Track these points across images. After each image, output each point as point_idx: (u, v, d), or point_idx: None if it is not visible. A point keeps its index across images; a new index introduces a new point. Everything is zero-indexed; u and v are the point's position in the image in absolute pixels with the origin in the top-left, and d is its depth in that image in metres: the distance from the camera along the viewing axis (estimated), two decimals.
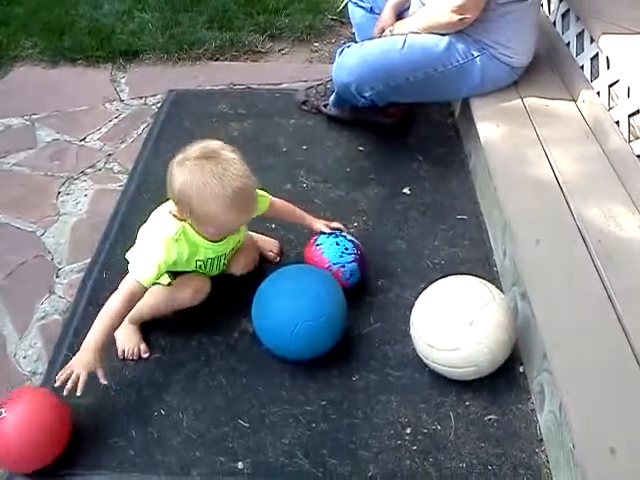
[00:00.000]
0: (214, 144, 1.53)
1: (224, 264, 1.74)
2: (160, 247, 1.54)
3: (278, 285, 1.62)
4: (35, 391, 1.51)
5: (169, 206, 1.61)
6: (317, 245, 1.77)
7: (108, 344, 1.53)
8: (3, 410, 1.36)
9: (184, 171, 1.48)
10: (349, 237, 1.81)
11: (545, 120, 2.11)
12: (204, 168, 1.46)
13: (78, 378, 1.42)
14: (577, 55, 2.30)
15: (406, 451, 1.45)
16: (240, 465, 1.43)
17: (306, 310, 1.54)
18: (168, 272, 1.65)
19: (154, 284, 1.64)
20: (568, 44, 2.38)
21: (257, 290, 1.63)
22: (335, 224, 1.85)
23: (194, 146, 1.52)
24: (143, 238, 1.66)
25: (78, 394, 1.42)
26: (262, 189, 1.70)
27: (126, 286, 1.52)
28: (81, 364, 1.44)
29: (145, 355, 1.64)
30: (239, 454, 1.45)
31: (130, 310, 1.54)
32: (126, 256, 1.64)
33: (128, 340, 1.65)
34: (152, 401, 1.55)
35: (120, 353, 1.63)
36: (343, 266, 1.72)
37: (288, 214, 1.86)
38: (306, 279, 1.63)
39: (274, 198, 1.79)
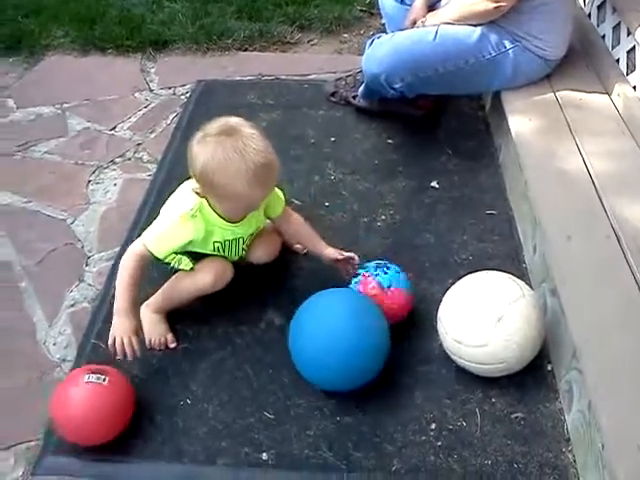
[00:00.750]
0: (233, 120, 1.52)
1: (243, 249, 1.73)
2: (176, 222, 1.55)
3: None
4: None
5: (190, 184, 1.61)
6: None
7: (137, 307, 1.58)
8: (107, 377, 1.41)
9: (205, 149, 1.47)
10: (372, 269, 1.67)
11: (578, 114, 2.07)
12: (225, 144, 1.45)
13: (130, 342, 1.49)
14: (613, 48, 2.25)
15: (430, 447, 1.45)
16: (264, 456, 1.43)
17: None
18: (189, 256, 1.65)
19: (176, 271, 1.65)
20: (604, 37, 2.33)
21: (299, 323, 1.53)
22: (348, 254, 1.71)
23: (213, 123, 1.51)
24: (161, 213, 1.67)
25: (138, 355, 1.52)
26: (280, 188, 1.70)
27: (133, 250, 1.56)
28: (123, 331, 1.50)
29: (172, 345, 1.65)
30: (264, 445, 1.45)
31: (141, 275, 1.56)
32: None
33: (154, 330, 1.66)
34: (178, 390, 1.56)
35: (147, 343, 1.64)
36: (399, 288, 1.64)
37: (300, 232, 1.76)
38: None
39: (291, 210, 1.77)
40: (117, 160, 2.34)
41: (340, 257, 1.70)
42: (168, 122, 2.53)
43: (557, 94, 2.17)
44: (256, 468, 1.42)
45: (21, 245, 1.98)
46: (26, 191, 2.20)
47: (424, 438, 1.46)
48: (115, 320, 1.53)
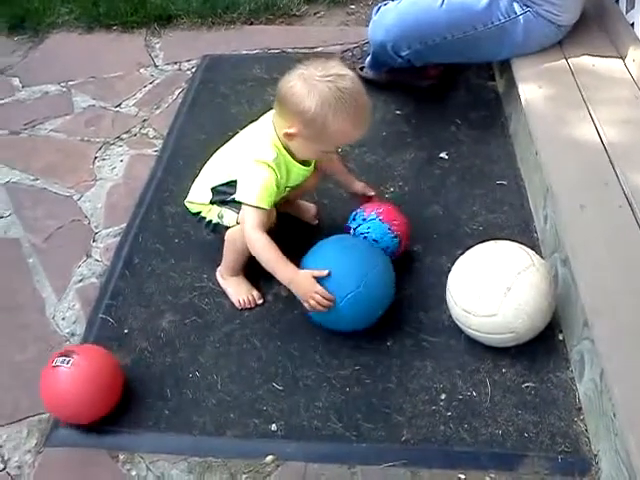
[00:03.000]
0: (332, 61, 1.56)
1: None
2: (264, 170, 1.54)
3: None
4: (96, 346, 1.53)
5: (248, 135, 1.64)
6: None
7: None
8: (73, 359, 1.40)
9: (318, 91, 1.47)
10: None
11: (591, 81, 2.02)
12: (338, 85, 1.47)
13: (320, 296, 1.48)
14: (627, 12, 2.19)
15: (440, 417, 1.44)
16: (274, 427, 1.43)
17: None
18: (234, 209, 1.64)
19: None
20: (617, 0, 2.27)
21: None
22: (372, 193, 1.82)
23: (312, 64, 1.52)
24: (243, 171, 1.60)
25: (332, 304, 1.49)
26: None
27: (249, 224, 1.54)
28: (305, 289, 1.49)
29: (259, 301, 1.69)
30: (273, 416, 1.45)
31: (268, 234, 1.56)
32: (236, 197, 1.60)
33: (241, 290, 1.69)
34: (187, 363, 1.56)
35: (237, 304, 1.68)
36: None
37: (338, 166, 1.83)
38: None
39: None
40: (123, 136, 2.33)
41: (369, 193, 1.81)
42: (174, 97, 2.51)
43: (569, 60, 2.11)
44: (265, 439, 1.42)
45: (29, 222, 1.99)
46: (33, 169, 2.20)
47: (434, 408, 1.45)
48: (294, 286, 1.52)
